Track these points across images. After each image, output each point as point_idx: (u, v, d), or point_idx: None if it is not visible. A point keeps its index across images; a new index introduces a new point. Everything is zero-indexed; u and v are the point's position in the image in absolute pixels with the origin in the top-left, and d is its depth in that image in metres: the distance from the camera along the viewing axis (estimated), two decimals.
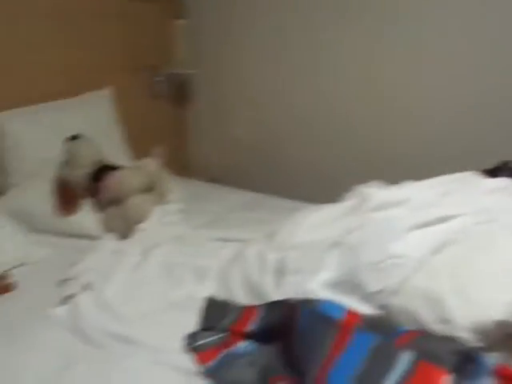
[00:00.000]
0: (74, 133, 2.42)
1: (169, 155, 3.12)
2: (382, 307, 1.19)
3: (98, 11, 2.68)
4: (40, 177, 2.24)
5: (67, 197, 2.07)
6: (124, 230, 2.02)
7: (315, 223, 1.57)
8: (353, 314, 1.15)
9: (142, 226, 2.01)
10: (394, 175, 1.97)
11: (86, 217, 2.09)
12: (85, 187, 2.11)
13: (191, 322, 1.50)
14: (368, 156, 2.78)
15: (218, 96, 3.24)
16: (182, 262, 1.82)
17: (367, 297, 1.21)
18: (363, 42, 2.61)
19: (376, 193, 1.47)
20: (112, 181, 2.04)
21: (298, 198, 2.46)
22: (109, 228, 2.03)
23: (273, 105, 3.04)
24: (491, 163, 1.82)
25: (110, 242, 1.96)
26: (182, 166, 3.30)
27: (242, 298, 1.52)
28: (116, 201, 2.04)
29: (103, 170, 2.11)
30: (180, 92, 3.31)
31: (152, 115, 3.15)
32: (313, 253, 1.41)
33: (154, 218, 2.05)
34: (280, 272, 1.49)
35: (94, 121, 2.61)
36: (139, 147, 2.78)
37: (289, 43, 2.84)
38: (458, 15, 2.36)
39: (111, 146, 2.61)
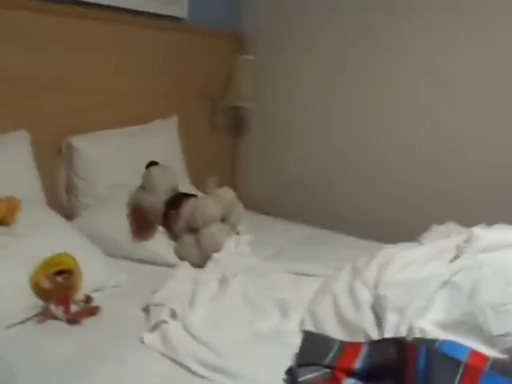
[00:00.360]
0: (144, 159, 2.48)
1: (221, 185, 3.19)
2: (506, 351, 1.16)
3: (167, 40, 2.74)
4: (112, 201, 2.27)
5: (143, 222, 2.08)
6: (198, 258, 2.02)
7: (409, 262, 1.55)
8: (478, 356, 1.13)
9: (216, 255, 2.00)
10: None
11: (161, 243, 2.10)
12: (160, 214, 2.12)
13: (281, 354, 1.47)
14: (413, 196, 2.78)
15: (273, 130, 3.28)
16: (262, 294, 1.81)
17: (490, 339, 1.18)
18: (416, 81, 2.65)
19: (484, 234, 1.46)
20: (190, 209, 2.05)
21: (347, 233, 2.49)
22: (183, 255, 2.03)
23: (323, 141, 3.07)
24: None
25: (186, 270, 1.95)
26: None
27: (335, 333, 1.49)
28: (192, 229, 2.04)
29: (179, 198, 2.13)
30: (238, 124, 3.35)
31: (210, 145, 3.18)
32: (417, 292, 1.39)
33: (228, 248, 2.04)
34: (379, 309, 1.46)
35: (162, 148, 2.65)
36: (195, 175, 2.85)
37: (339, 83, 2.91)
38: None
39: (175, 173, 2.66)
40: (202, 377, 1.37)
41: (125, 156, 2.46)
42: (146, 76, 2.66)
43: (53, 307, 1.60)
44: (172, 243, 2.12)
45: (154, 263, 2.06)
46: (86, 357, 1.43)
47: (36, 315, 1.62)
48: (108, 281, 1.86)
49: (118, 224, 2.13)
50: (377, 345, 1.32)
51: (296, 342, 1.55)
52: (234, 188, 3.39)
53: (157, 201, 2.12)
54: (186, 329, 1.57)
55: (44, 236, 1.79)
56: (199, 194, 2.26)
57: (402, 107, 2.77)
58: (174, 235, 2.12)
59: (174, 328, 1.56)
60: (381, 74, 2.80)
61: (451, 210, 2.52)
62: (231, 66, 3.08)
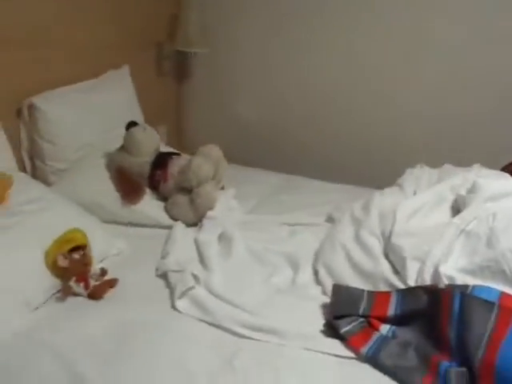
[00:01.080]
0: (104, 114, 2.38)
1: (170, 135, 3.15)
2: None
3: None
4: (87, 164, 2.19)
5: (130, 185, 2.04)
6: (192, 217, 2.04)
7: (413, 210, 1.70)
8: (508, 298, 1.31)
9: (211, 213, 2.03)
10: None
11: (150, 205, 2.08)
12: (145, 176, 2.08)
13: (307, 307, 1.59)
14: (366, 141, 2.95)
15: (219, 75, 3.23)
16: (266, 248, 1.89)
17: None
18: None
19: (487, 183, 1.62)
20: (178, 168, 2.04)
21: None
22: (176, 216, 2.04)
23: (271, 84, 3.10)
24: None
25: (185, 231, 1.98)
26: (182, 145, 3.27)
27: (356, 284, 1.62)
28: (183, 188, 2.04)
29: (163, 158, 2.10)
30: (183, 70, 3.26)
31: (157, 93, 3.08)
32: (433, 240, 1.54)
33: (220, 204, 2.07)
34: (395, 258, 1.61)
35: (120, 100, 2.56)
36: None
37: (297, 21, 2.90)
38: None
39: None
40: (247, 337, 1.45)
41: (87, 113, 2.34)
42: (90, 26, 2.47)
43: (73, 284, 1.58)
44: (160, 204, 2.10)
45: (144, 226, 2.05)
46: (127, 330, 1.45)
47: (55, 294, 1.58)
48: (110, 249, 1.84)
49: (102, 189, 2.07)
50: (407, 292, 1.47)
51: (314, 293, 1.68)
52: (182, 136, 3.40)
53: (141, 162, 2.08)
54: (212, 292, 1.63)
55: (43, 212, 1.72)
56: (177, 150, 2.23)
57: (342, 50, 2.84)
58: (161, 196, 2.11)
59: (202, 292, 1.61)
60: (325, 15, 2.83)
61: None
62: (176, 8, 2.95)
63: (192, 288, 1.61)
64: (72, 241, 1.62)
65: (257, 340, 1.44)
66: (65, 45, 2.35)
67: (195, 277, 1.66)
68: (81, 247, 1.63)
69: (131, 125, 2.11)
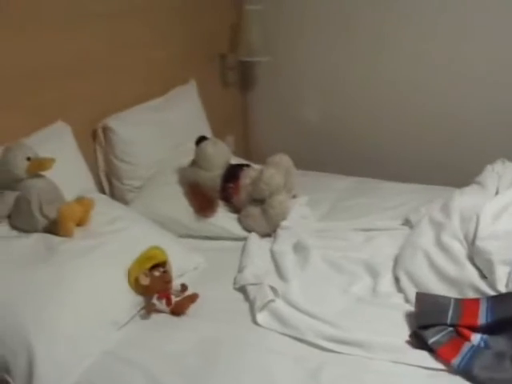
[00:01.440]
0: (175, 131, 2.43)
1: (238, 145, 3.17)
2: None
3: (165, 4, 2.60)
4: (161, 181, 2.23)
5: (204, 199, 2.07)
6: (266, 228, 2.04)
7: (498, 212, 1.61)
8: None
9: (285, 223, 2.02)
10: None
11: (224, 218, 2.10)
12: (217, 189, 2.10)
13: (390, 317, 1.54)
14: (437, 139, 2.83)
15: (284, 82, 3.21)
16: (342, 256, 1.86)
17: None
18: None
19: None
20: (250, 180, 2.04)
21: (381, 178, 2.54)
22: (250, 227, 2.05)
23: (336, 87, 3.06)
24: None
25: (260, 243, 1.98)
26: (249, 154, 3.29)
27: (440, 291, 1.56)
28: (256, 200, 2.04)
29: (234, 170, 2.12)
30: (248, 80, 3.27)
31: (223, 104, 3.12)
32: None
33: (293, 213, 2.06)
34: (482, 263, 1.53)
35: (187, 115, 2.60)
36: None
37: (360, 22, 2.86)
38: None
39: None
40: (331, 351, 1.42)
41: (157, 131, 2.41)
42: (153, 44, 2.53)
43: (156, 301, 1.61)
44: (233, 216, 2.12)
45: (219, 238, 2.07)
46: (211, 346, 1.47)
47: (139, 311, 1.62)
48: (188, 264, 1.87)
49: (177, 204, 2.11)
50: (498, 299, 1.39)
51: (397, 301, 1.63)
52: (249, 145, 3.42)
53: (212, 176, 2.10)
54: (291, 304, 1.61)
55: (123, 231, 1.77)
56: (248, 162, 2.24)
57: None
58: (234, 208, 2.12)
59: (281, 305, 1.60)
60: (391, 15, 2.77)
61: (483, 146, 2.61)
62: (238, 19, 2.97)
63: (271, 301, 1.60)
64: (152, 258, 1.66)
65: (341, 353, 1.41)
66: (133, 66, 2.42)
67: (273, 289, 1.66)
68: (161, 264, 1.67)
69: (201, 139, 2.14)
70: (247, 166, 2.17)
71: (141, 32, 2.46)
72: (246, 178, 2.08)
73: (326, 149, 3.22)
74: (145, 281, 1.60)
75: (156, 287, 1.62)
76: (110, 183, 2.33)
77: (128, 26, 2.38)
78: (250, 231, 2.06)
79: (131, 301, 1.62)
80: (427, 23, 2.70)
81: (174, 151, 2.42)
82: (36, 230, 1.71)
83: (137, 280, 1.62)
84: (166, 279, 1.64)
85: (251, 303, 1.64)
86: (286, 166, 2.08)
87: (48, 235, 1.69)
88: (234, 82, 3.21)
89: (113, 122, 2.23)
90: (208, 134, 2.75)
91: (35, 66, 1.95)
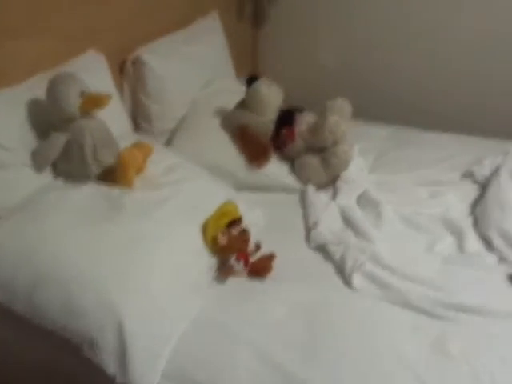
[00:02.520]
0: (203, 66, 2.18)
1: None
2: None
3: None
4: (200, 123, 2.00)
5: (257, 147, 1.86)
6: (325, 179, 1.87)
7: None
8: None
9: (346, 174, 1.86)
10: None
11: (276, 167, 1.90)
12: (269, 135, 1.90)
13: (494, 278, 1.45)
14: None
15: (299, 19, 2.96)
16: (416, 213, 1.73)
17: None
18: None
19: None
20: (306, 126, 1.85)
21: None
22: (307, 177, 1.87)
23: (354, 28, 2.84)
24: None
25: (322, 196, 1.81)
26: None
27: None
28: (314, 148, 1.86)
29: (288, 115, 1.91)
30: (260, 14, 2.99)
31: (237, 40, 2.84)
32: None
33: (352, 164, 1.90)
34: None
35: (213, 49, 2.35)
36: None
37: None
38: None
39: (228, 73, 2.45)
40: (444, 318, 1.31)
41: (187, 66, 2.15)
42: None
43: (233, 262, 1.43)
44: (285, 166, 1.92)
45: (271, 190, 1.88)
46: (311, 313, 1.32)
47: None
48: (250, 220, 1.66)
49: (224, 151, 1.89)
50: None
51: (492, 262, 1.53)
52: None
53: (265, 121, 1.89)
54: (383, 266, 1.48)
55: (185, 183, 1.55)
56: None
57: None
58: (285, 157, 1.93)
59: (373, 267, 1.46)
60: None
61: None
62: None
63: (363, 262, 1.45)
64: (227, 215, 1.47)
65: (454, 321, 1.30)
66: None
67: (360, 249, 1.51)
68: (236, 221, 1.48)
69: (252, 79, 1.90)
70: (300, 110, 1.96)
71: None
72: (302, 123, 1.88)
73: (342, 94, 3.03)
74: (223, 240, 1.41)
75: (234, 247, 1.44)
76: (136, 124, 2.06)
77: None
78: (305, 183, 1.87)
79: (207, 262, 1.43)
80: None
81: (206, 90, 2.17)
82: (87, 178, 1.46)
83: (214, 239, 1.42)
84: (245, 238, 1.45)
85: (337, 264, 1.49)
86: (349, 113, 1.89)
87: (103, 185, 1.45)
88: (249, 17, 2.92)
89: (146, 54, 1.95)
90: (232, 72, 2.52)
91: None
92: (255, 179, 1.87)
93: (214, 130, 1.94)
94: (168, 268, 1.29)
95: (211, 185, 1.61)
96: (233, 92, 2.15)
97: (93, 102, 1.39)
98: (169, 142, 1.99)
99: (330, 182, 1.88)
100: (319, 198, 1.80)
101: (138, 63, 1.95)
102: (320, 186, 1.88)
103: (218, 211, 1.45)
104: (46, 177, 1.45)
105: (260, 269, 1.46)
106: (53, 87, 1.38)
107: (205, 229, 1.43)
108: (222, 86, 2.23)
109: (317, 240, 1.58)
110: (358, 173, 1.90)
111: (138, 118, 2.04)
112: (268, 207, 1.76)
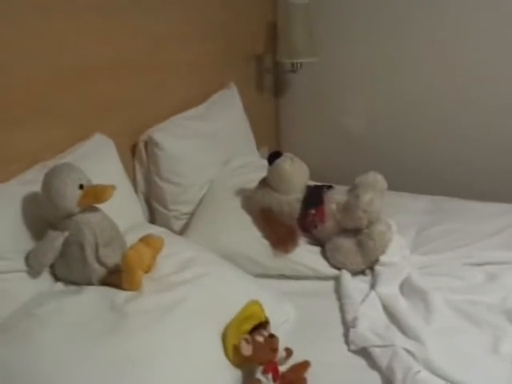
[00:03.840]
0: (222, 144, 2.03)
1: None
2: None
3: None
4: (219, 206, 1.82)
5: (283, 230, 1.67)
6: (360, 264, 1.65)
7: None
8: None
9: (384, 258, 1.64)
10: None
11: (306, 252, 1.70)
12: (295, 216, 1.70)
13: None
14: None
15: (323, 87, 2.82)
16: (471, 303, 1.48)
17: None
18: None
19: None
20: (336, 205, 1.66)
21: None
22: (340, 263, 1.66)
23: (384, 93, 2.69)
24: None
25: (359, 284, 1.59)
26: None
27: None
28: (346, 229, 1.65)
29: (316, 194, 1.72)
30: (282, 85, 2.88)
31: (258, 111, 2.71)
32: None
33: (393, 246, 1.67)
34: None
35: (232, 124, 2.21)
36: None
37: (414, 22, 2.50)
38: None
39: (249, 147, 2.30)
40: None
41: (204, 144, 2.01)
42: (190, 45, 2.11)
43: (260, 376, 1.20)
44: (315, 250, 1.72)
45: (300, 278, 1.68)
46: None
47: None
48: (278, 316, 1.44)
49: (246, 236, 1.71)
50: None
51: None
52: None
53: (290, 200, 1.70)
54: (435, 373, 1.23)
55: (201, 279, 1.35)
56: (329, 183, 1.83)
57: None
58: (315, 239, 1.73)
59: (427, 376, 1.21)
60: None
61: None
62: (277, 16, 2.58)
63: (418, 372, 1.20)
64: (252, 318, 1.25)
65: None
66: (172, 65, 2.01)
67: (410, 353, 1.26)
68: (262, 324, 1.26)
69: (274, 156, 1.74)
70: (328, 187, 1.77)
71: (179, 25, 2.04)
72: (332, 202, 1.69)
73: (372, 162, 2.84)
74: (247, 350, 1.19)
75: (261, 357, 1.21)
76: (151, 209, 1.90)
77: (166, 18, 1.96)
78: (338, 268, 1.66)
79: (231, 375, 1.20)
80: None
81: (224, 169, 2.02)
82: (89, 283, 1.27)
83: (235, 348, 1.20)
84: (273, 346, 1.23)
85: (385, 374, 1.24)
86: (383, 188, 1.69)
87: (107, 289, 1.26)
88: (269, 87, 2.81)
89: (158, 134, 1.81)
90: (253, 146, 2.37)
91: (64, 67, 1.52)
92: (282, 266, 1.68)
93: (234, 213, 1.77)
94: None
95: (232, 282, 1.41)
96: (255, 169, 2.00)
97: (94, 196, 1.23)
98: (186, 227, 1.81)
99: (368, 266, 1.65)
100: (357, 287, 1.57)
101: (149, 144, 1.81)
102: (356, 272, 1.66)
103: (241, 314, 1.24)
104: (44, 282, 1.27)
105: (292, 382, 1.22)
106: (48, 181, 1.23)
107: (225, 336, 1.22)
108: (243, 162, 2.08)
109: (357, 342, 1.35)
110: (398, 255, 1.67)
111: (153, 202, 1.88)
112: (298, 298, 1.56)
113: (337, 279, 1.65)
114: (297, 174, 1.71)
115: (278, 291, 1.56)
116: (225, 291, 1.34)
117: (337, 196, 1.71)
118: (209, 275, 1.36)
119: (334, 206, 1.69)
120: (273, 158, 1.73)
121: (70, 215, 1.24)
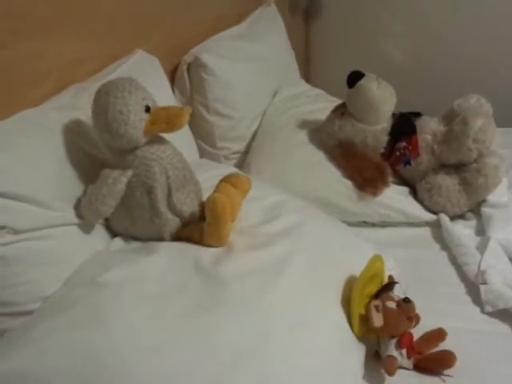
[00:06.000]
0: (268, 68, 1.69)
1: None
2: None
3: None
4: (287, 143, 1.50)
5: (370, 167, 1.36)
6: (464, 205, 1.36)
7: None
8: None
9: (492, 198, 1.35)
10: None
11: (395, 194, 1.40)
12: (381, 150, 1.40)
13: None
14: None
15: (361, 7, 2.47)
16: None
17: None
18: None
19: None
20: (431, 136, 1.35)
21: None
22: (440, 205, 1.36)
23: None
24: None
25: (464, 230, 1.31)
26: None
27: None
28: (450, 164, 1.35)
29: (407, 121, 1.41)
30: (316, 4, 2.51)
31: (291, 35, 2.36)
32: None
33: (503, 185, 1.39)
34: None
35: (277, 49, 1.86)
36: None
37: None
38: None
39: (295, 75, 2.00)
40: None
41: (253, 70, 1.66)
42: None
43: (395, 352, 0.92)
44: (404, 190, 1.42)
45: (393, 224, 1.38)
46: None
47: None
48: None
49: (321, 176, 1.41)
50: None
51: None
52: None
53: (376, 131, 1.39)
54: None
55: (300, 231, 1.04)
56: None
57: None
58: (405, 177, 1.43)
59: None
60: None
61: None
62: None
63: None
64: (376, 278, 0.95)
65: None
66: None
67: None
68: (388, 286, 0.97)
69: (354, 77, 1.40)
70: (415, 114, 1.45)
71: None
72: (426, 132, 1.38)
73: (414, 91, 2.52)
74: (378, 320, 0.90)
75: (395, 328, 0.93)
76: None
77: None
78: (435, 212, 1.37)
79: (358, 355, 0.91)
80: None
81: (275, 100, 1.69)
82: (160, 238, 0.96)
83: (362, 318, 0.91)
84: (410, 313, 0.94)
85: None
86: (489, 114, 1.38)
87: (186, 246, 0.95)
88: (301, 9, 2.44)
89: (206, 55, 1.45)
90: (298, 75, 2.04)
91: None
92: (368, 211, 1.38)
93: (302, 151, 1.45)
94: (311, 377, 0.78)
95: (335, 232, 1.11)
96: (310, 99, 1.69)
97: (166, 121, 0.89)
98: (243, 167, 1.50)
99: (471, 207, 1.37)
100: (463, 234, 1.29)
101: (194, 67, 1.46)
102: (456, 215, 1.37)
103: (364, 275, 0.94)
104: (99, 238, 0.95)
105: (435, 363, 0.94)
106: (103, 101, 0.88)
107: (349, 304, 0.92)
108: (295, 92, 1.76)
109: (494, 302, 1.07)
110: (507, 194, 1.39)
111: (197, 138, 1.54)
112: (394, 250, 1.25)
113: (433, 225, 1.36)
114: (385, 98, 1.38)
115: (373, 242, 1.26)
116: (331, 245, 1.04)
117: (431, 124, 1.40)
118: (307, 225, 1.05)
119: (428, 137, 1.38)
120: (353, 79, 1.39)
121: (133, 148, 0.91)
